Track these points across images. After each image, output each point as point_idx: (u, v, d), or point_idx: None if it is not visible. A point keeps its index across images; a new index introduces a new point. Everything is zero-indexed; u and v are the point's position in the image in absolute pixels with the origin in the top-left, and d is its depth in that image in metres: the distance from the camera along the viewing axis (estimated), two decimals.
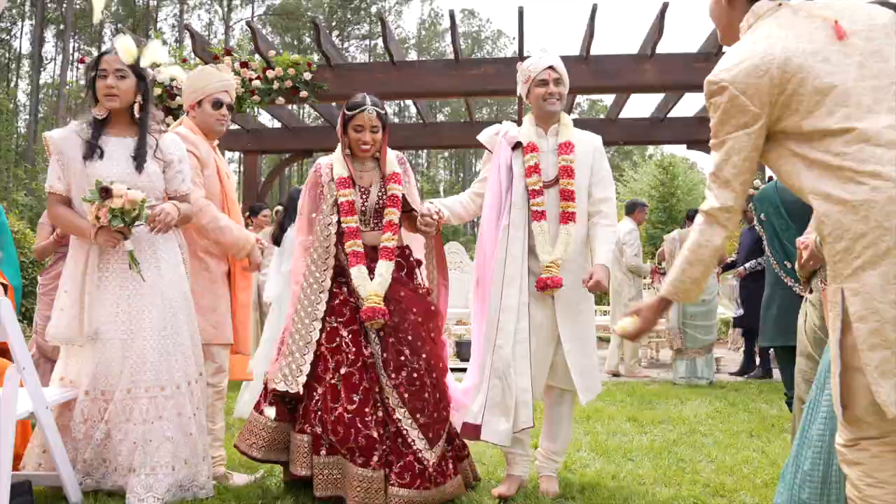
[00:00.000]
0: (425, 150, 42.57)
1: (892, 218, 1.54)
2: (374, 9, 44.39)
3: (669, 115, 8.91)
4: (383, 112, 3.12)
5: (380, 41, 40.99)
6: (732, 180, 1.81)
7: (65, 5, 36.35)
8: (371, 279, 3.00)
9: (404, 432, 2.86)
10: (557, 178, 3.10)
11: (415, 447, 2.85)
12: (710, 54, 6.71)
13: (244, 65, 7.14)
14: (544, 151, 3.16)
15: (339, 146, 3.16)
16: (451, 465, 2.95)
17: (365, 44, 44.86)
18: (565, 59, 6.87)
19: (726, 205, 1.83)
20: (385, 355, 2.94)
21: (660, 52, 6.94)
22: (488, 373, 2.97)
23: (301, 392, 2.92)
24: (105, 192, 2.71)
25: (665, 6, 6.55)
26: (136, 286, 2.91)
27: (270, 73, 7.08)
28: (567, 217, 3.07)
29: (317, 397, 2.91)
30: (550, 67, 3.15)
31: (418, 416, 2.88)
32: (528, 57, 3.31)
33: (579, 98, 18.33)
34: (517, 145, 3.17)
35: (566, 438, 3.25)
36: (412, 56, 44.22)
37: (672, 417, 4.96)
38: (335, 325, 3.00)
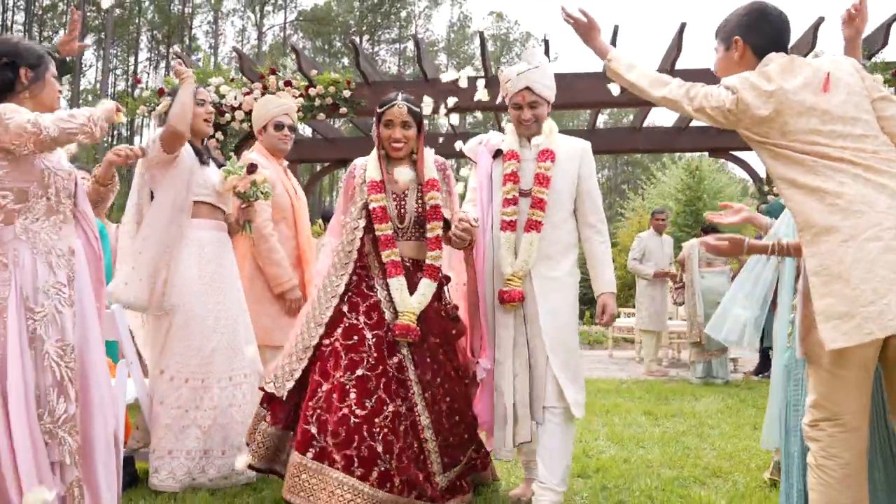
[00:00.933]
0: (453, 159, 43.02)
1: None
2: (403, 13, 45.01)
3: (692, 123, 9.26)
4: (417, 109, 2.99)
5: (409, 44, 41.63)
6: None
7: (105, 13, 37.48)
8: (409, 293, 2.91)
9: (426, 452, 2.81)
10: None
11: (431, 469, 2.82)
12: None
13: (288, 84, 7.69)
14: (526, 159, 3.05)
15: (375, 148, 3.08)
16: (465, 483, 2.97)
17: (395, 47, 45.49)
18: (589, 76, 7.27)
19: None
20: (418, 371, 2.87)
21: (679, 69, 7.33)
22: (490, 390, 3.00)
23: (285, 398, 2.84)
24: (252, 167, 3.24)
25: (683, 25, 6.93)
26: (225, 272, 3.38)
27: (312, 92, 7.63)
28: (531, 225, 2.96)
29: (320, 394, 2.73)
30: (527, 89, 2.99)
31: (439, 437, 2.86)
32: (514, 64, 3.12)
33: None
34: (498, 153, 3.10)
35: (564, 463, 2.92)
36: (442, 58, 44.72)
37: (685, 412, 5.38)
38: (355, 322, 2.86)
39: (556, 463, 2.89)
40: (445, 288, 3.13)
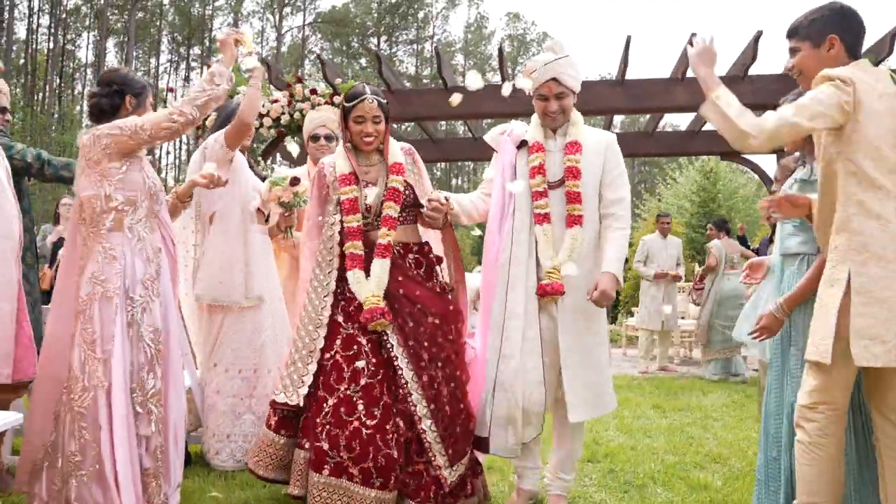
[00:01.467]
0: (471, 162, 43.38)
1: None
2: (421, 14, 45.41)
3: (704, 127, 9.49)
4: (385, 102, 2.97)
5: (427, 45, 41.95)
6: None
7: (126, 15, 38.15)
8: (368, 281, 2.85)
9: (426, 445, 2.76)
10: (564, 178, 2.96)
11: (434, 462, 2.76)
12: (737, 77, 7.32)
13: (313, 91, 8.05)
14: (551, 151, 3.00)
15: (341, 142, 3.05)
16: (469, 484, 2.91)
17: (412, 48, 45.89)
18: (603, 83, 7.51)
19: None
20: (407, 360, 2.80)
21: (690, 76, 7.58)
22: (492, 385, 2.90)
23: (302, 404, 2.80)
24: (295, 180, 3.58)
25: (693, 35, 7.19)
26: (270, 273, 3.72)
27: (337, 100, 7.97)
28: (573, 220, 2.92)
29: (327, 409, 2.71)
30: (554, 80, 2.92)
31: (439, 427, 2.78)
32: (541, 54, 3.05)
33: None
34: (522, 144, 3.04)
35: (574, 455, 3.09)
36: (459, 59, 45.06)
37: (692, 406, 5.69)
38: (352, 331, 2.83)
39: (567, 454, 3.07)
40: (437, 268, 3.05)
